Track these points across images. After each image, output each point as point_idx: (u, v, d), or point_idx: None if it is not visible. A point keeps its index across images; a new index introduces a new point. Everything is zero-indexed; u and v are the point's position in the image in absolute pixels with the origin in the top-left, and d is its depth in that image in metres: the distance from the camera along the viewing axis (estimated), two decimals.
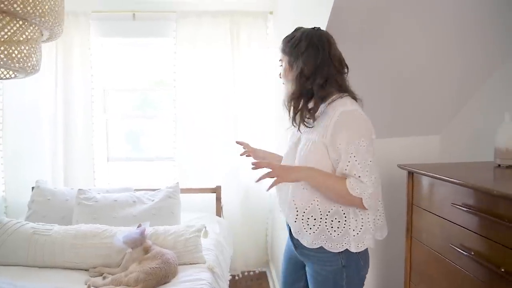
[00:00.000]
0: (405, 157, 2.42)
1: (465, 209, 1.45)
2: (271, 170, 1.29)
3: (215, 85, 2.88)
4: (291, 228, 1.44)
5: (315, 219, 1.34)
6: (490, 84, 2.20)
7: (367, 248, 1.41)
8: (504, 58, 2.08)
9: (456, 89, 2.28)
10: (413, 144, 2.56)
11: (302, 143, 1.42)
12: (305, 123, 1.38)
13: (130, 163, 3.13)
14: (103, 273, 2.00)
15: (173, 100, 2.88)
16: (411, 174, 1.87)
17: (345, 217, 1.34)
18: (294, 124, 1.41)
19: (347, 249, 1.34)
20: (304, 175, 1.32)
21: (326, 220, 1.34)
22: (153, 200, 2.48)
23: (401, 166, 1.92)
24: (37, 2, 1.05)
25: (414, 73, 2.16)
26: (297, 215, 1.36)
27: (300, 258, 1.49)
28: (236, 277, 2.96)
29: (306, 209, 1.35)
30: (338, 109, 1.33)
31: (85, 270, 2.06)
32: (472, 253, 1.41)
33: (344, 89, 1.41)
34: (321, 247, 1.34)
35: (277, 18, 2.84)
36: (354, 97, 1.41)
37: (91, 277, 1.98)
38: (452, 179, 1.51)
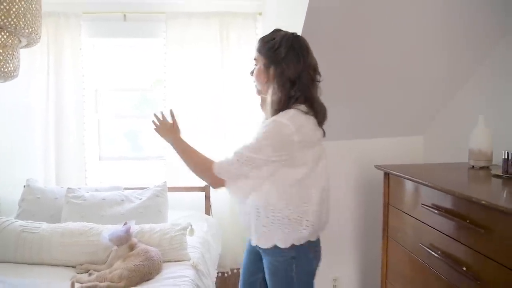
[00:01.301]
0: (388, 158, 2.47)
1: (433, 210, 1.49)
2: (158, 125, 1.58)
3: (205, 85, 2.91)
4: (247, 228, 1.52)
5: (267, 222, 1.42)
6: (467, 88, 2.24)
7: (317, 242, 1.52)
8: (478, 65, 2.12)
9: (438, 91, 2.32)
10: (396, 145, 2.60)
11: None
12: None
13: (122, 162, 3.17)
14: (89, 270, 2.05)
15: (163, 100, 2.92)
16: (387, 175, 1.92)
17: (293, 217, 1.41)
18: None
19: (293, 243, 1.43)
20: (172, 138, 1.55)
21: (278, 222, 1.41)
22: (140, 199, 2.52)
23: (378, 167, 1.97)
24: (11, 13, 1.10)
25: (397, 73, 2.20)
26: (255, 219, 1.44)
27: (256, 248, 1.56)
28: (226, 274, 3.00)
29: (258, 214, 1.43)
30: (274, 117, 1.40)
31: (73, 267, 2.10)
32: (439, 252, 1.46)
33: (310, 100, 1.45)
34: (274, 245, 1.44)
35: (266, 19, 2.88)
36: (305, 111, 1.43)
37: (78, 273, 2.03)
38: (422, 181, 1.55)
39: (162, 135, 1.60)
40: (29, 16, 1.19)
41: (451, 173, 1.78)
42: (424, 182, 1.51)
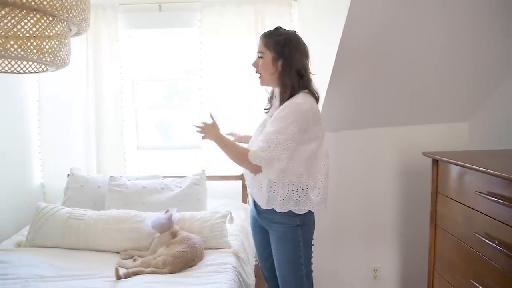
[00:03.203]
0: (432, 144, 2.39)
1: (490, 197, 1.43)
2: (201, 129, 1.78)
3: (240, 74, 2.89)
4: (258, 201, 1.72)
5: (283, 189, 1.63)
6: None
7: (313, 214, 1.73)
8: None
9: (486, 75, 2.21)
10: (441, 131, 2.52)
11: (265, 125, 1.70)
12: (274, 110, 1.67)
13: (159, 151, 3.22)
14: (133, 256, 2.10)
15: (199, 89, 2.93)
16: (436, 161, 1.85)
17: (307, 186, 1.63)
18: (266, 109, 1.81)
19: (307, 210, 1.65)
20: (214, 137, 1.73)
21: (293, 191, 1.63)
22: (180, 187, 2.55)
23: (426, 154, 1.90)
24: (65, 0, 1.11)
25: (442, 58, 2.11)
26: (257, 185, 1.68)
27: (262, 224, 1.79)
28: None
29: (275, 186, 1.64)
30: (292, 100, 1.59)
31: (117, 252, 2.16)
32: (497, 242, 1.40)
33: (311, 89, 1.67)
34: (289, 211, 1.64)
35: (301, 5, 2.82)
36: (313, 94, 1.66)
37: (122, 259, 2.08)
38: (477, 167, 1.48)
39: (205, 136, 1.79)
40: (80, 4, 1.21)
41: (505, 160, 1.70)
42: (481, 169, 1.45)
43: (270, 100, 1.83)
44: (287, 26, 2.84)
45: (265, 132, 1.60)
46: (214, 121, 1.79)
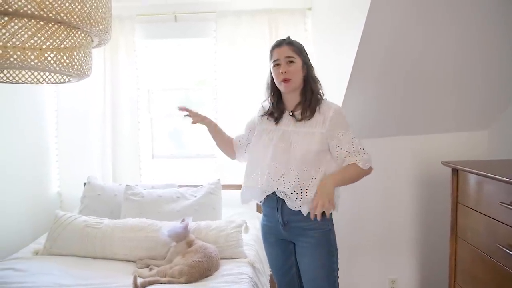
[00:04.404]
0: (451, 153, 2.36)
1: None
2: (321, 204, 1.53)
3: (254, 84, 2.90)
4: (289, 204, 1.65)
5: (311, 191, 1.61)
6: None
7: None
8: None
9: (504, 84, 2.17)
10: (459, 140, 2.48)
11: (291, 135, 1.67)
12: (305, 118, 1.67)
13: (173, 160, 3.23)
14: (149, 265, 2.10)
15: (214, 99, 2.95)
16: (456, 171, 1.82)
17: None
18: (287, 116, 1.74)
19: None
20: (333, 183, 1.58)
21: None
22: (195, 196, 2.56)
23: (445, 163, 1.87)
24: (89, 12, 1.13)
25: (460, 66, 2.09)
26: (301, 190, 1.62)
27: (288, 237, 1.73)
28: None
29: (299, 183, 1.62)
30: (330, 107, 1.66)
31: (133, 261, 2.16)
32: None
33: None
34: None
35: (315, 14, 2.83)
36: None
37: (138, 268, 2.08)
38: (500, 177, 1.45)
39: (326, 196, 1.54)
40: (103, 15, 1.23)
41: None
42: (503, 179, 1.42)
43: (271, 113, 1.76)
44: (301, 35, 2.91)
45: (346, 142, 1.63)
46: (188, 111, 1.91)
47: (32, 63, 1.15)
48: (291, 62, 1.66)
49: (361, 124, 2.43)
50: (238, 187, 2.86)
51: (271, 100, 1.79)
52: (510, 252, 1.41)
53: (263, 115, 1.80)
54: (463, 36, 1.93)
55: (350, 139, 1.63)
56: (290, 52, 1.67)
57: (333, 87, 2.30)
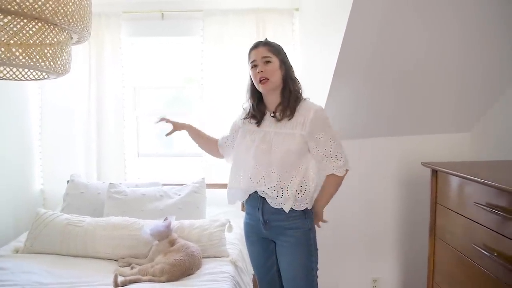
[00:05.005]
0: (434, 155, 2.39)
1: (488, 209, 1.42)
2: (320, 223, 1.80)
3: (241, 83, 2.89)
4: (270, 202, 1.68)
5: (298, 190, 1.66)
6: None
7: None
8: None
9: (487, 85, 2.21)
10: (443, 141, 2.51)
11: (272, 136, 1.69)
12: (285, 118, 1.67)
13: (159, 158, 3.22)
14: (131, 264, 2.09)
15: (200, 97, 2.94)
16: (435, 172, 1.85)
17: (306, 184, 1.67)
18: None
19: (308, 217, 1.70)
20: (322, 207, 1.77)
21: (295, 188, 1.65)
22: (179, 195, 2.55)
23: (425, 164, 1.90)
24: (66, 10, 1.12)
25: (443, 69, 2.12)
26: (282, 190, 1.65)
27: (269, 236, 1.75)
28: None
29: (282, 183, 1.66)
30: (310, 108, 1.65)
31: (115, 260, 2.15)
32: (495, 254, 1.39)
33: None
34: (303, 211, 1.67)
35: (303, 15, 2.84)
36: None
37: (120, 267, 2.07)
38: (475, 178, 1.48)
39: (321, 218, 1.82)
40: (81, 12, 1.22)
41: (504, 171, 1.69)
42: (479, 180, 1.44)
43: (252, 115, 1.77)
44: (289, 36, 2.92)
45: (324, 144, 1.64)
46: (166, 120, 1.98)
47: (17, 59, 1.14)
48: (268, 62, 1.67)
49: (344, 124, 2.45)
50: (224, 186, 2.86)
51: (251, 102, 1.79)
52: (485, 252, 1.43)
53: (245, 118, 1.81)
54: (444, 39, 1.96)
55: (328, 142, 1.64)
56: (266, 52, 1.68)
57: (320, 87, 2.31)
